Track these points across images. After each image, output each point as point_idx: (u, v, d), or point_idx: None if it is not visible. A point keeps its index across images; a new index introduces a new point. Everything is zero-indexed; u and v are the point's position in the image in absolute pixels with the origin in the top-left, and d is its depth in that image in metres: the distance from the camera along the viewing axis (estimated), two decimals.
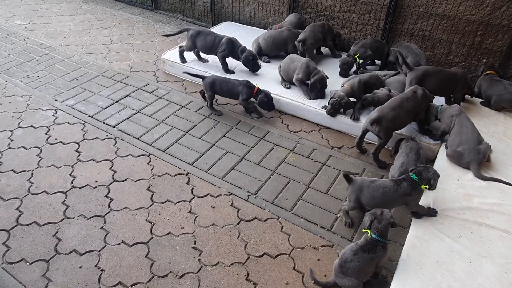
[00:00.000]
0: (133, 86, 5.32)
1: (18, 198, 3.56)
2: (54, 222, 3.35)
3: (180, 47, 5.48)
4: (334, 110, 4.41)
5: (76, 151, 4.15)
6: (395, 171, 3.46)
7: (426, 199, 3.32)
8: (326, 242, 3.25)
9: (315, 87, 4.68)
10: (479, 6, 4.87)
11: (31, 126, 4.50)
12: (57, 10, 7.79)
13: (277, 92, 4.85)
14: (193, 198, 3.63)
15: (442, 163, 3.75)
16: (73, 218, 3.39)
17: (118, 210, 3.48)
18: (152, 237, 3.24)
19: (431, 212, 3.19)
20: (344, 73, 5.21)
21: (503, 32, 4.87)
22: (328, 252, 3.16)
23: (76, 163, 3.99)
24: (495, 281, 2.67)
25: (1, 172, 3.84)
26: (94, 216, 3.41)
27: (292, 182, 3.84)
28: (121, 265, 3.01)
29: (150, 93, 5.20)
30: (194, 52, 5.52)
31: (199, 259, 3.07)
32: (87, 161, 4.02)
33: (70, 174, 3.84)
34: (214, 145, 4.30)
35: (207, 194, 3.68)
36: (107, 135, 4.40)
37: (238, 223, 3.39)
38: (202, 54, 5.52)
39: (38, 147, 4.18)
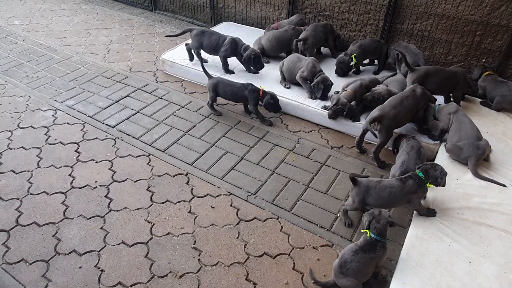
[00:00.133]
0: (132, 87, 5.32)
1: (17, 199, 3.57)
2: (53, 222, 3.35)
3: (187, 44, 5.48)
4: (336, 114, 4.42)
5: (76, 151, 4.15)
6: (395, 170, 3.46)
7: (426, 199, 3.32)
8: (325, 242, 3.25)
9: (318, 88, 4.69)
10: (478, 6, 4.87)
11: (31, 126, 4.50)
12: (56, 11, 7.79)
13: (276, 92, 4.84)
14: (192, 198, 3.64)
15: (441, 163, 3.72)
16: (73, 218, 3.39)
17: (117, 210, 3.48)
18: (152, 237, 3.24)
19: (430, 213, 3.19)
20: (340, 71, 5.22)
21: (502, 32, 4.88)
22: (328, 252, 3.16)
23: (76, 163, 3.99)
24: (494, 280, 2.67)
25: (1, 173, 3.85)
26: (94, 217, 3.41)
27: (292, 182, 3.84)
28: (121, 265, 3.01)
29: (150, 93, 5.20)
30: (194, 52, 5.52)
31: (198, 259, 3.08)
32: (86, 161, 4.02)
33: (69, 175, 3.85)
34: (213, 145, 4.30)
35: (207, 194, 3.68)
36: (106, 136, 4.40)
37: (237, 223, 3.40)
38: (202, 54, 5.51)
39: (38, 148, 4.18)
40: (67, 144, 4.25)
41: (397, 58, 4.92)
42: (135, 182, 3.80)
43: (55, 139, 4.31)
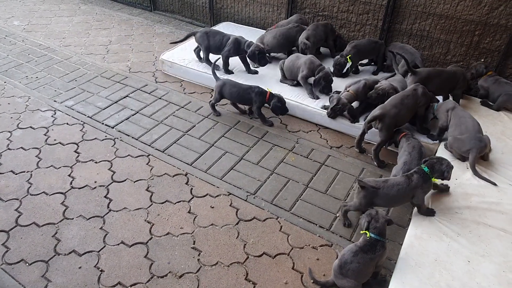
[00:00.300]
0: (132, 87, 5.33)
1: (17, 199, 3.57)
2: (53, 222, 3.35)
3: (195, 49, 5.47)
4: (335, 114, 4.43)
5: (75, 151, 4.15)
6: (397, 171, 3.46)
7: (425, 199, 3.32)
8: (325, 242, 3.25)
9: (319, 84, 4.70)
10: (477, 6, 4.88)
11: (30, 127, 4.50)
12: (55, 11, 7.79)
13: (274, 91, 4.84)
14: (192, 198, 3.64)
15: None
16: (73, 218, 3.40)
17: (117, 211, 3.48)
18: (151, 237, 3.25)
19: (429, 212, 3.20)
20: (337, 73, 5.23)
21: (501, 31, 4.89)
22: (327, 252, 3.17)
23: (75, 163, 4.00)
24: (493, 279, 2.68)
25: (0, 173, 3.85)
26: (93, 217, 3.42)
27: (291, 182, 3.85)
28: (121, 266, 3.02)
29: (149, 93, 5.20)
30: (194, 51, 5.51)
31: (198, 259, 3.08)
32: (86, 161, 4.03)
33: (69, 175, 3.85)
34: (213, 145, 4.30)
35: (206, 194, 3.68)
36: (106, 136, 4.40)
37: (237, 223, 3.40)
38: (201, 54, 5.51)
39: (37, 148, 4.19)
40: (67, 144, 4.25)
41: (394, 59, 4.93)
42: (134, 182, 3.80)
43: (55, 140, 4.31)
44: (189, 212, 3.50)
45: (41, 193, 3.64)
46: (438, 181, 3.34)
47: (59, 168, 3.93)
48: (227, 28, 6.51)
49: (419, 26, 5.39)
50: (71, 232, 3.27)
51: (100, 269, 2.99)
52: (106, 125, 4.57)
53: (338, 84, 4.94)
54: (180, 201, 3.60)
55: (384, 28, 5.58)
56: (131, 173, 3.90)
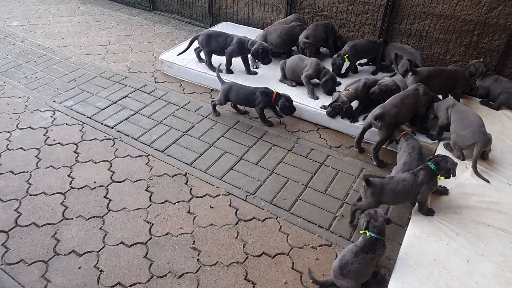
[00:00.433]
0: (131, 87, 5.33)
1: (16, 199, 3.57)
2: (53, 223, 3.35)
3: (196, 49, 5.46)
4: (335, 112, 4.43)
5: (75, 152, 4.16)
6: (397, 172, 3.46)
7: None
8: (324, 242, 3.26)
9: (327, 85, 4.77)
10: (476, 6, 4.89)
11: (30, 127, 4.50)
12: (55, 11, 7.79)
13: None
14: (191, 198, 3.64)
15: None
16: (72, 219, 3.40)
17: (116, 211, 3.48)
18: (151, 238, 3.25)
19: (429, 212, 3.20)
20: (335, 72, 5.22)
21: (499, 31, 4.89)
22: (327, 252, 3.17)
23: (75, 164, 4.00)
24: (492, 279, 2.68)
25: (0, 173, 3.84)
26: (93, 217, 3.42)
27: (291, 182, 3.85)
28: (120, 266, 3.02)
29: (149, 93, 5.21)
30: (194, 51, 5.51)
31: (198, 259, 3.08)
32: (85, 162, 4.03)
33: (68, 175, 3.85)
34: (212, 145, 4.30)
35: (206, 194, 3.69)
36: (105, 136, 4.40)
37: (236, 223, 3.40)
38: (201, 55, 5.51)
39: (37, 148, 4.19)
40: (66, 144, 4.26)
41: (395, 59, 4.94)
42: (134, 182, 3.80)
43: (54, 140, 4.31)
44: (188, 212, 3.50)
45: (41, 193, 3.64)
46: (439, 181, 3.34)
47: (58, 168, 3.94)
48: (227, 28, 6.51)
49: (418, 26, 5.39)
50: (70, 232, 3.27)
51: (99, 269, 2.99)
52: (105, 125, 4.57)
53: (343, 83, 4.95)
54: (179, 201, 3.60)
55: (383, 28, 5.58)
56: (131, 173, 3.90)
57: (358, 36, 5.90)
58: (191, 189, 3.74)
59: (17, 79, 5.42)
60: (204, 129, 4.55)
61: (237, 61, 5.38)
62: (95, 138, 4.36)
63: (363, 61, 5.63)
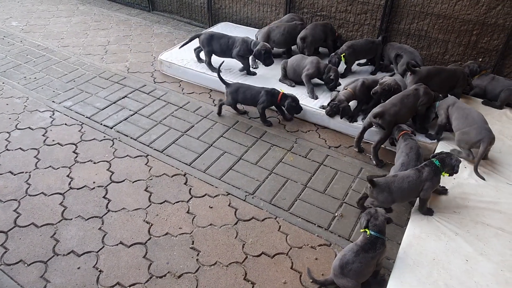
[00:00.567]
0: (130, 87, 5.33)
1: (15, 200, 3.57)
2: (52, 223, 3.35)
3: (195, 49, 5.45)
4: (333, 112, 4.44)
5: (74, 152, 4.15)
6: (395, 172, 3.46)
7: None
8: (323, 241, 3.26)
9: (331, 81, 4.85)
10: (475, 6, 4.90)
11: (29, 127, 4.50)
12: (54, 12, 7.79)
13: None
14: (191, 198, 3.64)
15: None
16: (71, 219, 3.40)
17: (116, 211, 3.48)
18: (150, 238, 3.25)
19: (429, 212, 3.20)
20: None
21: (498, 31, 4.90)
22: (326, 251, 3.17)
23: (74, 164, 4.00)
24: (491, 278, 2.68)
25: None
26: (92, 217, 3.42)
27: (290, 182, 3.85)
28: (119, 266, 3.02)
29: (148, 94, 5.20)
30: (194, 51, 5.51)
31: (197, 259, 3.08)
32: (84, 162, 4.03)
33: (67, 176, 3.85)
34: (211, 145, 4.30)
35: (205, 195, 3.69)
36: (104, 136, 4.40)
37: (235, 223, 3.40)
38: (201, 55, 5.50)
39: (36, 149, 4.18)
40: (65, 145, 4.25)
41: (395, 58, 4.94)
42: (133, 182, 3.80)
43: (53, 140, 4.31)
44: (188, 212, 3.50)
45: (40, 193, 3.64)
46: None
47: (57, 168, 3.93)
48: (226, 28, 6.52)
49: (417, 26, 5.40)
50: (69, 232, 3.27)
51: (99, 269, 2.99)
52: (104, 125, 4.57)
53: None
54: (178, 201, 3.60)
55: (382, 28, 5.59)
56: (130, 174, 3.90)
57: (357, 36, 5.91)
58: (190, 189, 3.74)
59: (16, 79, 5.42)
60: (203, 129, 4.55)
61: (236, 61, 5.37)
62: (94, 139, 4.36)
63: (362, 61, 5.64)
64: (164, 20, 7.57)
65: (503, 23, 4.83)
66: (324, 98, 4.80)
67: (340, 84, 4.96)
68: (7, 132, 4.41)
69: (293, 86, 5.06)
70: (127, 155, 4.14)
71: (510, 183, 3.51)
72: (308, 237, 3.29)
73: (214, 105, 4.99)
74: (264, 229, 3.36)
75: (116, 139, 4.37)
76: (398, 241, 3.17)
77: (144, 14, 7.84)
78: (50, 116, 4.70)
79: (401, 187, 3.12)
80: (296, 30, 5.54)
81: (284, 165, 4.06)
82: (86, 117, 4.70)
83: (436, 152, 3.41)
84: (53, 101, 4.97)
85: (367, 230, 2.71)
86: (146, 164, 4.02)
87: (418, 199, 3.23)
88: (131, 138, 4.39)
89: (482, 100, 4.72)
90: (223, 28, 6.57)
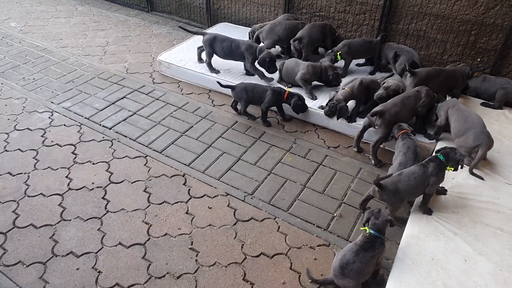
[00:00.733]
0: (129, 88, 5.33)
1: (14, 201, 3.56)
2: (50, 224, 3.35)
3: (199, 48, 5.44)
4: (332, 112, 4.45)
5: (73, 153, 4.15)
6: (393, 172, 3.46)
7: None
8: (322, 242, 3.26)
9: (337, 78, 4.88)
10: (473, 6, 4.91)
11: (27, 128, 4.50)
12: (52, 12, 7.79)
13: None
14: (190, 199, 3.64)
15: None
16: (70, 220, 3.39)
17: (115, 212, 3.48)
18: (149, 238, 3.25)
19: (428, 211, 3.20)
20: None
21: (497, 31, 4.91)
22: (325, 252, 3.18)
23: (73, 165, 3.99)
24: (490, 278, 2.69)
25: None
26: (91, 218, 3.42)
27: (289, 182, 3.85)
28: (118, 267, 3.02)
29: (147, 94, 5.20)
30: (197, 49, 5.48)
31: (196, 260, 3.08)
32: (83, 163, 4.02)
33: (66, 176, 3.85)
34: (210, 146, 4.30)
35: (204, 195, 3.69)
36: (103, 137, 4.40)
37: (235, 224, 3.40)
38: (203, 55, 5.49)
39: (35, 150, 4.18)
40: (64, 146, 4.25)
41: (393, 59, 4.95)
42: (132, 183, 3.80)
43: (52, 141, 4.31)
44: (187, 212, 3.50)
45: (39, 194, 3.64)
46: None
47: (56, 169, 3.93)
48: (225, 29, 6.53)
49: (415, 26, 5.41)
50: (68, 233, 3.27)
51: (98, 270, 2.99)
52: (103, 126, 4.57)
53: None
54: (177, 202, 3.60)
55: (381, 28, 5.59)
56: (129, 174, 3.90)
57: (356, 37, 5.91)
58: (189, 189, 3.74)
59: (15, 80, 5.41)
60: (202, 129, 4.55)
61: (235, 62, 5.38)
62: (93, 139, 4.36)
63: (361, 61, 5.64)
64: (163, 20, 7.57)
65: (502, 23, 4.84)
66: (323, 99, 4.80)
67: (341, 81, 4.95)
68: (6, 133, 4.41)
69: (290, 87, 5.05)
70: (126, 156, 4.13)
71: (508, 183, 3.52)
72: (307, 237, 3.30)
73: (213, 106, 4.99)
74: (263, 229, 3.36)
75: (115, 139, 4.37)
76: (397, 241, 3.17)
77: (143, 14, 7.84)
78: (49, 117, 4.70)
79: (408, 184, 3.11)
80: (297, 28, 5.54)
81: (283, 166, 4.06)
82: (85, 118, 4.70)
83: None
84: (52, 102, 4.97)
85: (366, 228, 2.71)
86: (145, 165, 4.02)
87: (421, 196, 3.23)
88: (130, 138, 4.39)
89: (482, 101, 4.72)
90: (222, 28, 6.57)
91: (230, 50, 5.14)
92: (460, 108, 3.90)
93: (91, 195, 3.65)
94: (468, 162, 3.65)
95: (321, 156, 4.20)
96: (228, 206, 3.58)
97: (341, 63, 5.37)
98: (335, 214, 3.51)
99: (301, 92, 4.87)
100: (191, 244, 3.21)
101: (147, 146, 4.28)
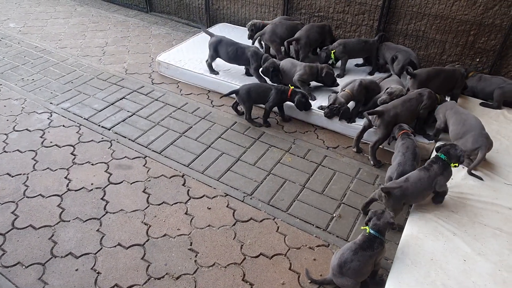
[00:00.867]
0: (128, 88, 5.32)
1: (13, 202, 3.56)
2: (49, 225, 3.34)
3: (207, 60, 5.39)
4: (332, 114, 4.45)
5: (72, 154, 4.15)
6: (392, 172, 3.46)
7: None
8: (321, 242, 3.26)
9: (330, 77, 4.88)
10: (472, 6, 4.91)
11: (26, 129, 4.49)
12: (51, 13, 7.78)
13: None
14: (189, 199, 3.64)
15: None
16: (69, 221, 3.39)
17: (114, 213, 3.48)
18: (148, 239, 3.25)
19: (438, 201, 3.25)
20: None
21: (495, 31, 4.91)
22: (324, 252, 3.18)
23: (72, 166, 3.99)
24: (488, 278, 2.69)
25: None
26: (90, 219, 3.41)
27: (288, 183, 3.85)
28: (117, 268, 3.01)
29: (146, 95, 5.20)
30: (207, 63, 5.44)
31: (195, 260, 3.08)
32: (82, 163, 4.02)
33: (65, 177, 3.84)
34: (209, 146, 4.30)
35: (203, 196, 3.68)
36: (102, 138, 4.39)
37: (234, 224, 3.40)
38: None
39: (33, 150, 4.18)
40: (63, 146, 4.25)
41: (391, 61, 4.95)
42: (131, 184, 3.80)
43: (51, 142, 4.31)
44: (186, 213, 3.50)
45: (38, 195, 3.63)
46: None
47: (55, 170, 3.93)
48: (224, 29, 6.53)
49: (414, 27, 5.41)
50: (67, 234, 3.27)
51: (97, 271, 2.99)
52: (102, 127, 4.57)
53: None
54: (177, 203, 3.60)
55: (380, 28, 5.59)
56: (128, 175, 3.89)
57: (355, 37, 5.91)
58: (188, 190, 3.74)
59: (14, 81, 5.41)
60: (202, 130, 4.55)
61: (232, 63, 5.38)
62: (92, 140, 4.35)
63: (360, 61, 5.65)
64: (162, 21, 7.57)
65: (500, 23, 4.84)
66: (323, 99, 4.80)
67: (337, 85, 4.96)
68: (5, 134, 4.40)
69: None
70: (125, 157, 4.13)
71: (507, 183, 3.52)
72: (306, 237, 3.30)
73: (212, 106, 4.99)
74: (262, 230, 3.36)
75: (114, 140, 4.36)
76: (396, 241, 3.17)
77: (142, 15, 7.83)
78: (48, 118, 4.69)
79: (416, 191, 3.11)
80: (297, 29, 5.55)
81: (282, 166, 4.06)
82: (84, 118, 4.70)
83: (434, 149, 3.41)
84: (51, 103, 4.97)
85: (367, 227, 2.72)
86: (144, 166, 4.02)
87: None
88: (129, 139, 4.39)
89: (481, 101, 4.72)
90: (221, 29, 6.58)
91: (236, 55, 5.11)
92: (458, 110, 3.90)
93: (90, 196, 3.64)
94: (467, 165, 3.65)
95: (320, 157, 4.21)
96: (227, 206, 3.58)
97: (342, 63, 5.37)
98: (334, 215, 3.51)
99: None
100: (190, 245, 3.21)
101: (146, 147, 4.28)
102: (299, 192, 3.75)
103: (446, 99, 4.57)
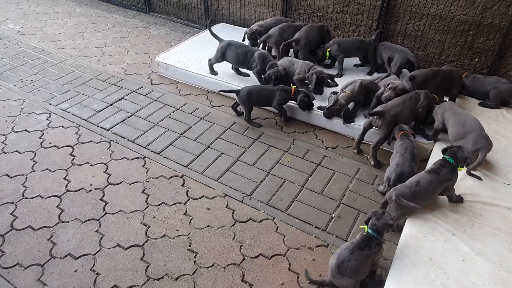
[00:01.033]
0: (127, 89, 5.32)
1: (12, 203, 3.55)
2: (48, 226, 3.34)
3: (210, 60, 5.37)
4: (332, 114, 4.45)
5: (71, 154, 4.14)
6: (390, 173, 3.47)
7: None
8: (321, 242, 3.26)
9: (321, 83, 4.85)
10: (471, 6, 4.91)
11: (25, 130, 4.49)
12: (50, 14, 7.78)
13: None
14: (188, 200, 3.64)
15: None
16: (68, 222, 3.39)
17: (113, 213, 3.48)
18: (147, 240, 3.24)
19: (459, 199, 3.25)
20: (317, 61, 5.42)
21: (494, 31, 4.92)
22: (323, 252, 3.18)
23: (71, 166, 3.99)
24: (488, 278, 2.69)
25: None
26: (89, 220, 3.41)
27: (287, 183, 3.85)
28: (116, 268, 3.01)
29: (145, 95, 5.20)
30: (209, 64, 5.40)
31: (194, 261, 3.08)
32: (81, 164, 4.02)
33: (64, 178, 3.84)
34: (209, 147, 4.30)
35: (202, 196, 3.68)
36: (101, 138, 4.39)
37: (233, 225, 3.40)
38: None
39: (32, 151, 4.17)
40: (62, 147, 4.24)
41: (388, 61, 4.96)
42: (130, 184, 3.79)
43: (50, 143, 4.30)
44: (185, 214, 3.49)
45: (36, 196, 3.63)
46: None
47: (54, 171, 3.92)
48: (223, 30, 6.52)
49: (413, 27, 5.41)
50: (66, 235, 3.26)
51: (96, 272, 2.98)
52: (101, 127, 4.57)
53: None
54: (176, 203, 3.60)
55: (379, 28, 5.60)
56: (127, 176, 3.89)
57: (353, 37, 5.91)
58: (187, 191, 3.74)
59: (13, 81, 5.40)
60: (201, 130, 4.55)
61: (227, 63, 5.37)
62: (91, 141, 4.35)
63: (358, 62, 5.65)
64: (161, 21, 7.57)
65: (499, 23, 4.85)
66: (322, 99, 4.80)
67: (337, 85, 4.95)
68: (4, 135, 4.40)
69: None
70: (124, 157, 4.13)
71: (506, 183, 3.52)
72: (306, 238, 3.30)
73: (212, 107, 4.99)
74: (261, 230, 3.36)
75: (113, 141, 4.36)
76: (395, 241, 3.17)
77: (141, 15, 7.83)
78: (47, 119, 4.69)
79: (427, 196, 3.11)
80: (297, 29, 5.54)
81: (281, 166, 4.06)
82: (83, 119, 4.69)
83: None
84: (49, 104, 4.96)
85: (365, 227, 2.72)
86: (143, 166, 4.02)
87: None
88: (128, 140, 4.38)
89: (480, 102, 4.72)
90: (220, 29, 6.57)
91: (245, 59, 5.06)
92: (457, 111, 3.89)
93: (89, 197, 3.64)
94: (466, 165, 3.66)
95: (320, 157, 4.21)
96: (226, 207, 3.58)
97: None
98: (333, 215, 3.51)
99: None
100: (190, 245, 3.20)
101: (145, 148, 4.27)
102: (298, 192, 3.75)
103: (445, 99, 4.57)
